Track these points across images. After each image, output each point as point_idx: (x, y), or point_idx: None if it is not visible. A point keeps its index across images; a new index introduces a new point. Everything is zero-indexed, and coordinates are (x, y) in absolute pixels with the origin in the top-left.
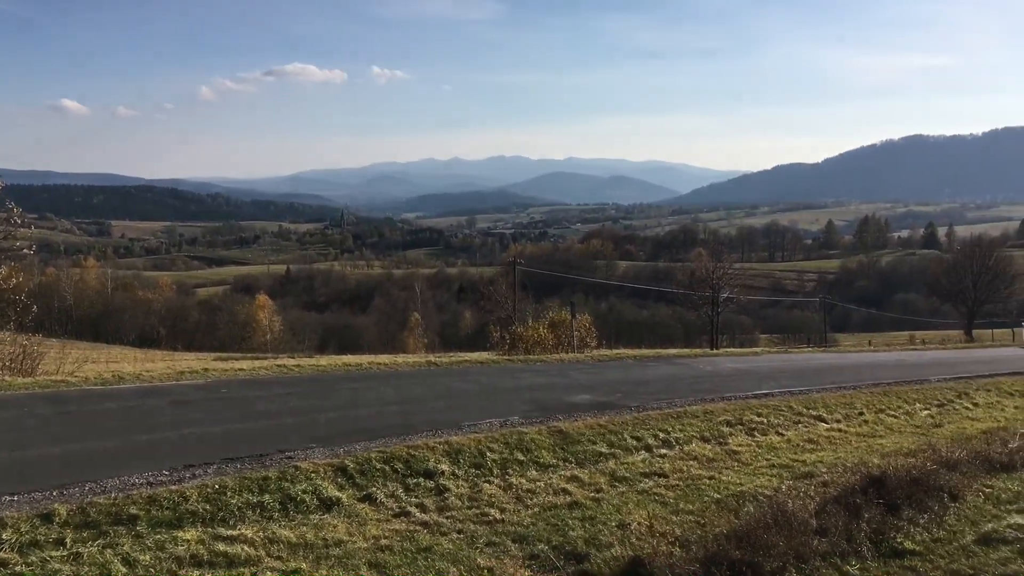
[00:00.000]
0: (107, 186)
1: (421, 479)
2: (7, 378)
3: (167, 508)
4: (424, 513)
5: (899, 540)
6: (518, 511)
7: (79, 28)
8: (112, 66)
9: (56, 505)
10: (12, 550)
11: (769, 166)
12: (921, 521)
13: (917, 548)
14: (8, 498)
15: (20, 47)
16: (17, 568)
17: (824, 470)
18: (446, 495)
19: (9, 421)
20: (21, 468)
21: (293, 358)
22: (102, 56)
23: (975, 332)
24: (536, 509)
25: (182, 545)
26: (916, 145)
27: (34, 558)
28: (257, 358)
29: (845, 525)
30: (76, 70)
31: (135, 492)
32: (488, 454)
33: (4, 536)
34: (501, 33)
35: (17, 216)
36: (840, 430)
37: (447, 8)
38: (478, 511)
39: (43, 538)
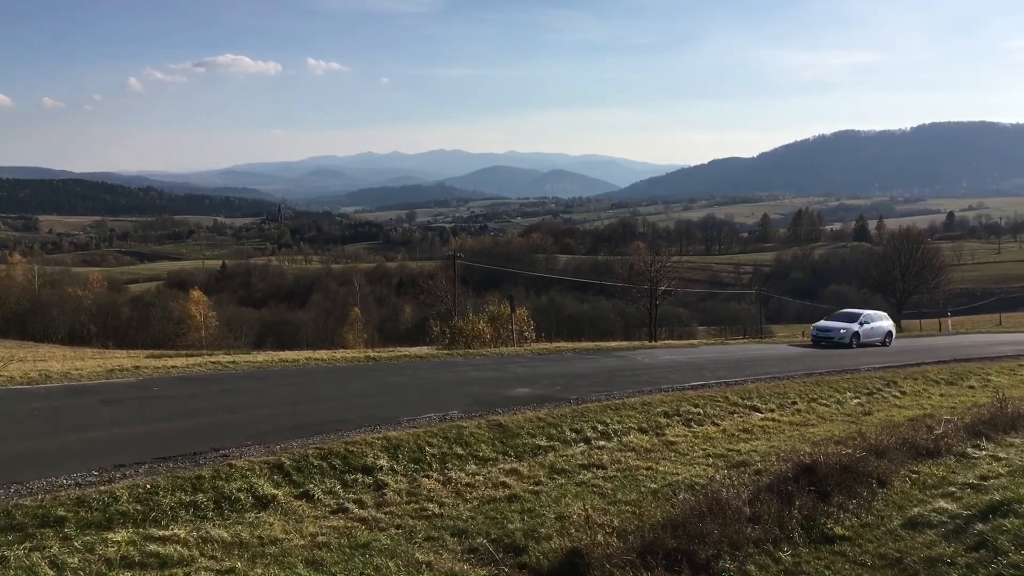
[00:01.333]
0: (34, 179)
1: (359, 475)
2: None
3: (96, 509)
4: (362, 509)
5: (829, 526)
6: (457, 505)
7: None
8: (35, 56)
9: None
10: None
11: (706, 160)
12: (850, 507)
13: (846, 533)
14: None
15: None
16: None
17: (758, 459)
18: (384, 491)
19: None
20: None
21: (229, 355)
22: (23, 45)
23: (903, 322)
24: (475, 503)
25: (112, 546)
26: (847, 140)
27: None
28: (192, 355)
29: (778, 512)
30: None
31: (63, 493)
32: (427, 448)
33: None
34: (439, 26)
35: None
36: (774, 419)
37: (385, 1)
38: (417, 506)
39: None
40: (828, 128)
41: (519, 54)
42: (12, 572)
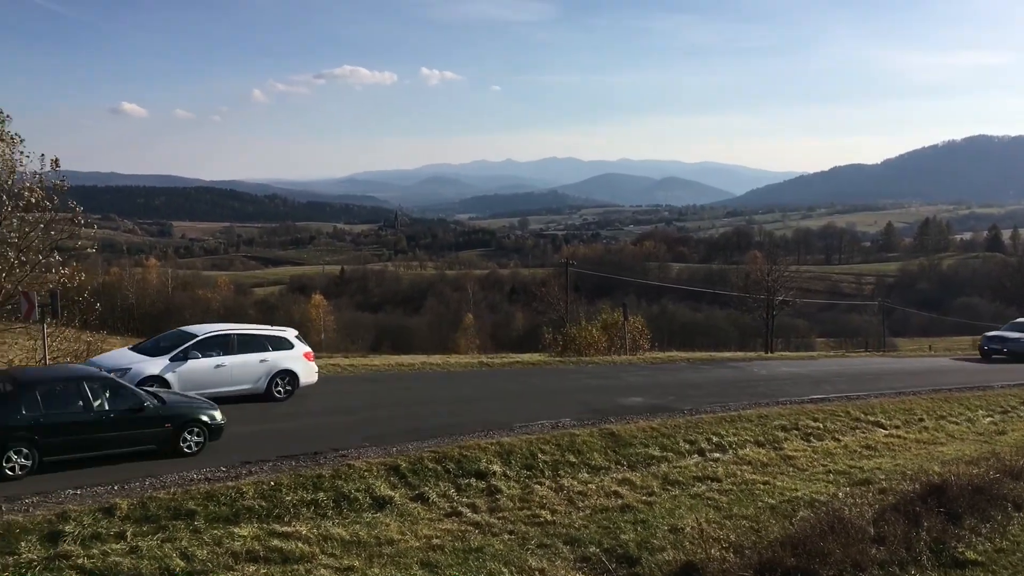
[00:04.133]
0: (168, 187)
1: (473, 479)
2: None
3: (224, 504)
4: (476, 513)
5: (960, 550)
6: (569, 513)
7: (135, 31)
8: (167, 69)
9: (117, 500)
10: (75, 543)
11: (826, 167)
12: (983, 531)
13: (979, 558)
14: (72, 492)
15: (81, 51)
16: (79, 560)
17: (882, 477)
18: (497, 496)
19: None
20: (84, 462)
21: (347, 358)
22: (158, 59)
23: None
24: (587, 511)
25: (238, 540)
26: (979, 145)
27: (96, 551)
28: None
29: (904, 533)
30: (134, 73)
31: (193, 487)
32: (540, 455)
33: (67, 529)
34: (550, 34)
35: (80, 216)
36: (899, 436)
37: (495, 9)
38: (529, 512)
39: (104, 531)
40: (957, 133)
41: (630, 60)
42: (145, 562)
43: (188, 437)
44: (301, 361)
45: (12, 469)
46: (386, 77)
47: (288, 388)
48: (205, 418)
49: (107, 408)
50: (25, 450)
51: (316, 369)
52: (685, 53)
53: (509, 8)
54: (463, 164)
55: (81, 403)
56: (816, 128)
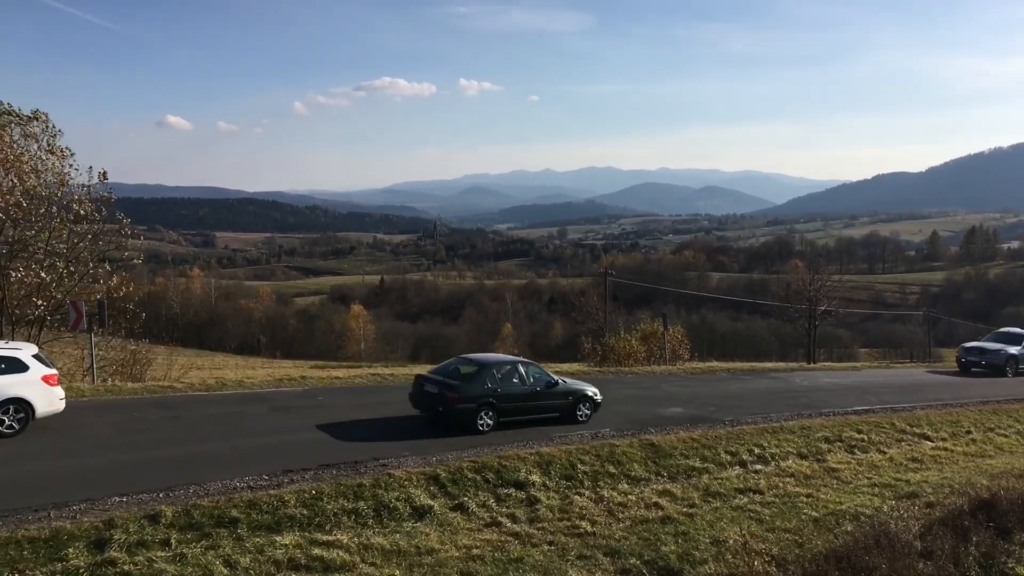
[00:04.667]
0: (212, 199)
1: (512, 489)
2: (118, 383)
3: (266, 512)
4: (515, 524)
5: (1010, 565)
6: (609, 524)
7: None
8: (211, 83)
9: (162, 507)
10: (121, 549)
11: (869, 175)
12: None
13: None
14: (118, 499)
15: (127, 65)
16: (125, 567)
17: (929, 490)
18: (537, 506)
19: (120, 424)
20: (130, 470)
21: (387, 367)
22: (202, 73)
23: None
24: (628, 523)
25: (280, 549)
26: None
27: (141, 558)
28: (352, 367)
29: (952, 548)
30: (179, 87)
31: (236, 495)
32: (579, 466)
33: (114, 536)
34: (589, 44)
35: (127, 228)
36: (946, 449)
37: (534, 20)
38: (569, 523)
39: (150, 538)
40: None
41: (670, 69)
42: (189, 569)
43: (582, 408)
44: (38, 386)
45: (483, 426)
46: (425, 88)
47: (18, 420)
48: (591, 394)
49: (534, 383)
50: (491, 412)
51: (62, 396)
52: (726, 62)
53: (548, 19)
54: (502, 174)
55: (518, 380)
56: (859, 136)
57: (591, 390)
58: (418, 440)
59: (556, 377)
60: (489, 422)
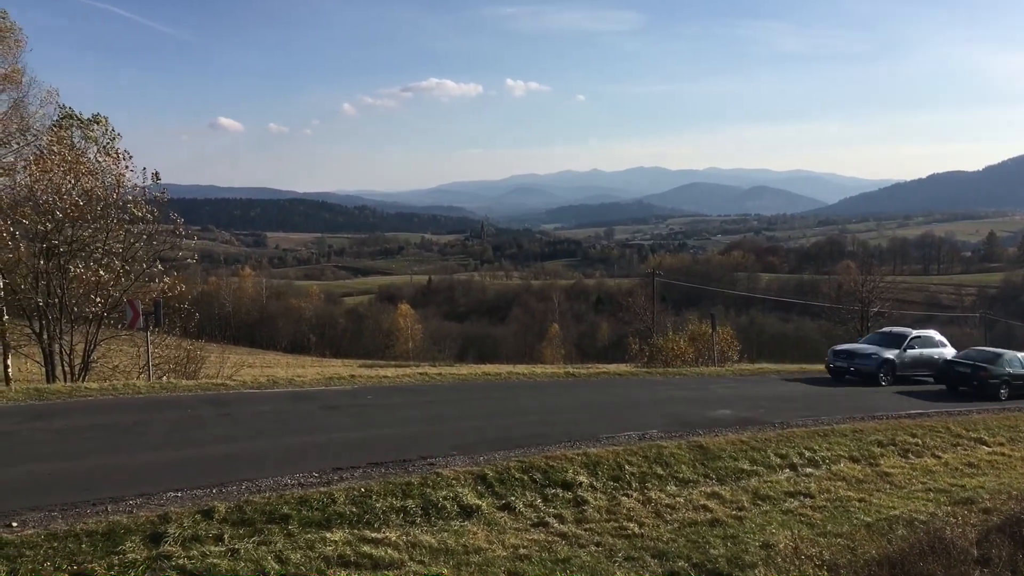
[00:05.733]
0: (263, 199)
1: (559, 490)
2: (173, 380)
3: (317, 509)
4: (562, 524)
5: None
6: (657, 526)
7: (233, 49)
8: (262, 85)
9: (216, 502)
10: (175, 544)
11: (924, 174)
12: None
13: None
14: (173, 494)
15: (182, 68)
16: (179, 561)
17: (986, 496)
18: (584, 507)
19: (175, 421)
20: (184, 466)
21: (435, 367)
22: (252, 76)
23: None
24: (675, 525)
25: (330, 545)
26: None
27: (195, 552)
28: (400, 366)
29: (1010, 556)
30: (231, 89)
31: (287, 492)
32: (626, 467)
33: (169, 530)
34: (637, 43)
35: (181, 228)
36: (1003, 454)
37: (581, 20)
38: (616, 524)
39: (203, 533)
40: None
41: (718, 68)
42: (242, 564)
43: None
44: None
45: (1001, 397)
46: (471, 89)
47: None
48: None
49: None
50: (1006, 390)
51: None
52: (775, 60)
53: (595, 18)
54: (549, 174)
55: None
56: (913, 135)
57: None
58: (465, 439)
59: None
60: (1007, 395)
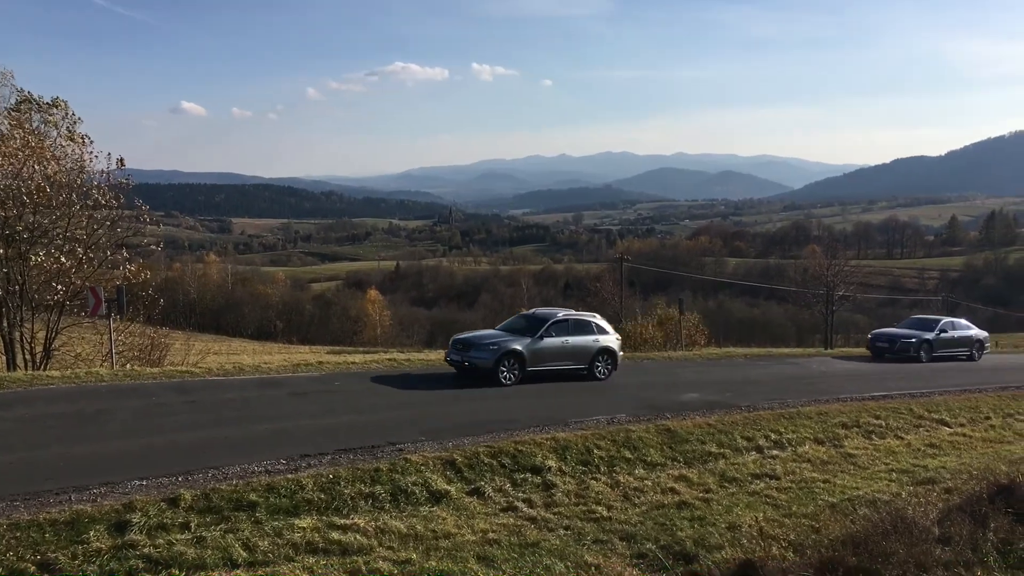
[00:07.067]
0: (228, 184)
1: (528, 474)
2: (137, 368)
3: (284, 496)
4: (531, 508)
5: None
6: (625, 509)
7: (194, 32)
8: (224, 69)
9: (182, 490)
10: (141, 532)
11: (888, 159)
12: None
13: None
14: (138, 483)
15: (139, 51)
16: (145, 550)
17: (947, 476)
18: (553, 491)
19: (139, 409)
20: (149, 454)
21: (403, 352)
22: (215, 60)
23: None
24: (644, 508)
25: (298, 532)
26: None
27: (161, 541)
28: (369, 352)
29: (970, 534)
30: (193, 73)
31: (255, 480)
32: (595, 451)
33: (134, 519)
34: (605, 27)
35: (145, 214)
36: (964, 435)
37: (550, 4)
38: (585, 508)
39: (169, 521)
40: None
41: (687, 53)
42: (209, 552)
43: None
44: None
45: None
46: (437, 73)
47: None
48: None
49: None
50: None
51: None
52: (744, 45)
53: (564, 3)
54: (517, 159)
55: None
56: (877, 120)
57: None
58: (434, 425)
59: None
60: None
